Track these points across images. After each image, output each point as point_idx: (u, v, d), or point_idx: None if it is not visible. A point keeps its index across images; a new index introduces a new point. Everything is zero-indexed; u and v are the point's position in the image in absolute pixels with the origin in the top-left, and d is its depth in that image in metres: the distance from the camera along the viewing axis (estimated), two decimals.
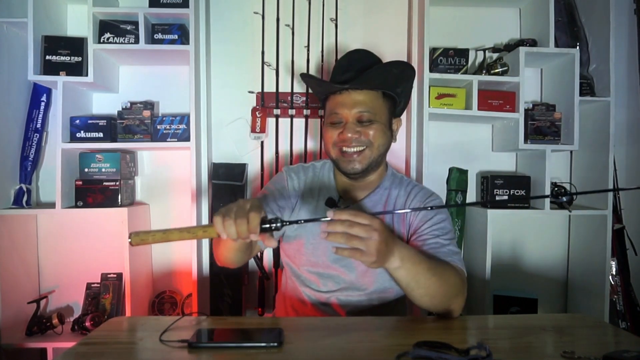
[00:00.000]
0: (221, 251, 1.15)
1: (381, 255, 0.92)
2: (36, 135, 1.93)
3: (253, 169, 2.04)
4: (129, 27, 1.85)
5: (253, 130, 1.97)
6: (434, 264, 1.05)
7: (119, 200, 1.83)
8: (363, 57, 1.28)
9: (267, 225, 0.90)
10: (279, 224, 0.90)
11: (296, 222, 0.94)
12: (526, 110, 1.92)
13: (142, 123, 1.85)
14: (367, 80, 1.21)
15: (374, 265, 0.94)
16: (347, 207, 1.25)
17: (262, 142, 2.00)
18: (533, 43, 1.96)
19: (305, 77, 1.35)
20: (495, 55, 2.04)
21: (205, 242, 1.95)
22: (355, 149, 1.21)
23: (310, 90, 1.96)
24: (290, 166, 1.39)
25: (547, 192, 1.89)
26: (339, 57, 1.91)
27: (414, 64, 1.96)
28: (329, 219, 0.88)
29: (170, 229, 0.95)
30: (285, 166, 1.40)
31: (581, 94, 1.92)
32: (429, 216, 1.22)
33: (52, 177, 1.83)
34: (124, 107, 1.88)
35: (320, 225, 0.89)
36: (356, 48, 1.34)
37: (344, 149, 1.21)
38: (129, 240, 0.92)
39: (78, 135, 1.83)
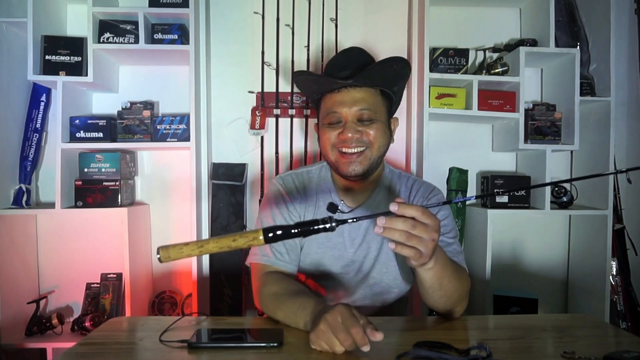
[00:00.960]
0: (275, 306, 1.06)
1: (431, 257, 0.88)
2: (36, 135, 1.93)
3: (253, 169, 2.04)
4: (128, 27, 1.85)
5: (252, 126, 1.96)
6: (455, 266, 1.03)
7: (119, 200, 1.83)
8: (359, 55, 1.25)
9: (321, 226, 0.82)
10: (334, 224, 0.82)
11: (354, 219, 0.85)
12: (526, 110, 1.92)
13: (142, 123, 1.85)
14: (369, 77, 1.16)
15: (419, 266, 0.90)
16: (350, 211, 1.24)
17: (262, 142, 2.00)
18: (533, 43, 1.95)
19: (300, 74, 1.26)
20: (495, 55, 2.03)
21: None
22: (355, 150, 1.15)
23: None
24: (280, 176, 1.31)
25: (548, 192, 1.89)
26: None
27: (414, 64, 1.96)
28: (392, 211, 0.81)
29: (205, 241, 0.82)
30: (275, 177, 1.30)
31: (581, 94, 1.92)
32: (433, 212, 1.20)
33: (51, 177, 1.83)
34: (123, 107, 1.88)
35: (377, 219, 0.82)
36: (350, 46, 1.29)
37: (344, 149, 1.16)
38: (158, 256, 0.82)
39: (78, 135, 1.83)
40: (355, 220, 0.85)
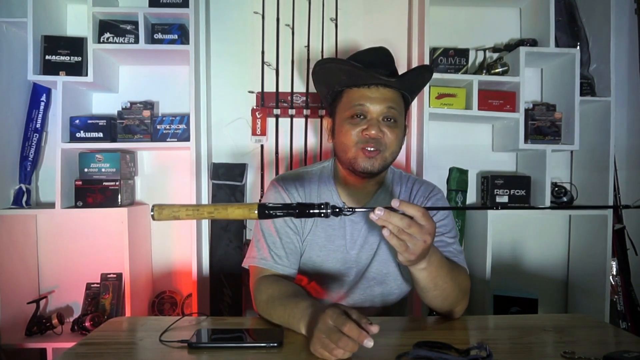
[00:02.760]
0: (269, 313, 1.06)
1: (420, 257, 0.88)
2: (36, 135, 1.93)
3: (253, 169, 2.04)
4: (128, 27, 1.85)
5: (254, 132, 1.97)
6: (451, 267, 1.03)
7: (119, 200, 1.83)
8: (388, 56, 1.23)
9: (316, 211, 0.83)
10: (329, 211, 0.83)
11: (350, 210, 0.87)
12: (526, 110, 1.92)
13: (142, 123, 1.85)
14: (407, 80, 1.16)
15: (407, 263, 0.90)
16: (352, 213, 1.22)
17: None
18: (533, 43, 1.95)
19: (333, 61, 1.19)
20: (495, 55, 2.03)
21: (205, 242, 1.95)
22: (374, 148, 1.14)
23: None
24: (280, 176, 1.29)
25: (548, 192, 1.88)
26: (339, 57, 1.91)
27: (414, 63, 1.96)
28: (394, 207, 0.82)
29: (202, 205, 0.84)
30: (275, 179, 1.28)
31: (582, 94, 1.92)
32: (432, 212, 1.18)
33: (51, 177, 1.83)
34: (123, 107, 1.88)
35: (376, 208, 0.82)
36: (379, 46, 1.26)
37: (365, 147, 1.13)
38: (152, 213, 0.82)
39: (78, 135, 1.83)
40: (352, 211, 0.87)
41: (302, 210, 0.84)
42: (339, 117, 1.19)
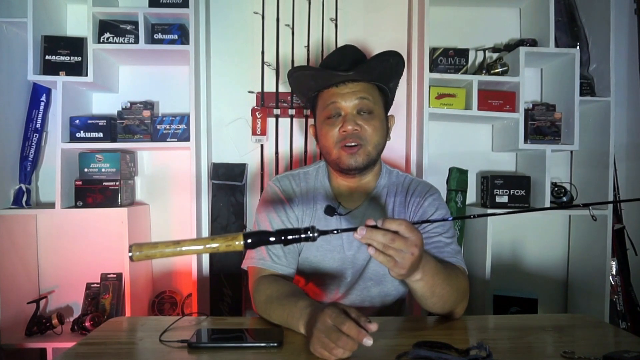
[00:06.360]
0: (268, 313, 1.06)
1: (411, 269, 0.87)
2: (36, 135, 1.93)
3: (253, 169, 2.04)
4: (128, 27, 1.85)
5: (254, 132, 1.98)
6: (447, 272, 1.02)
7: (119, 200, 1.83)
8: (353, 51, 1.25)
9: (304, 235, 0.81)
10: (315, 234, 0.82)
11: (333, 231, 0.85)
12: (526, 110, 1.92)
13: (142, 123, 1.85)
14: (368, 70, 1.17)
15: (399, 277, 0.89)
16: (348, 212, 1.23)
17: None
18: (533, 43, 1.95)
19: (296, 70, 1.24)
20: (495, 55, 2.03)
21: None
22: (354, 143, 1.16)
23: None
24: (277, 177, 1.30)
25: (548, 192, 1.88)
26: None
27: (414, 63, 1.96)
28: (374, 225, 0.81)
29: (182, 241, 0.79)
30: (272, 179, 1.30)
31: (581, 94, 1.92)
32: (430, 212, 1.20)
33: (51, 177, 1.83)
34: (123, 107, 1.88)
35: (359, 228, 0.81)
36: (344, 44, 1.30)
37: (346, 144, 1.16)
38: (130, 254, 0.77)
39: (78, 135, 1.83)
40: (337, 231, 0.85)
41: (287, 238, 0.82)
42: (318, 120, 1.23)
